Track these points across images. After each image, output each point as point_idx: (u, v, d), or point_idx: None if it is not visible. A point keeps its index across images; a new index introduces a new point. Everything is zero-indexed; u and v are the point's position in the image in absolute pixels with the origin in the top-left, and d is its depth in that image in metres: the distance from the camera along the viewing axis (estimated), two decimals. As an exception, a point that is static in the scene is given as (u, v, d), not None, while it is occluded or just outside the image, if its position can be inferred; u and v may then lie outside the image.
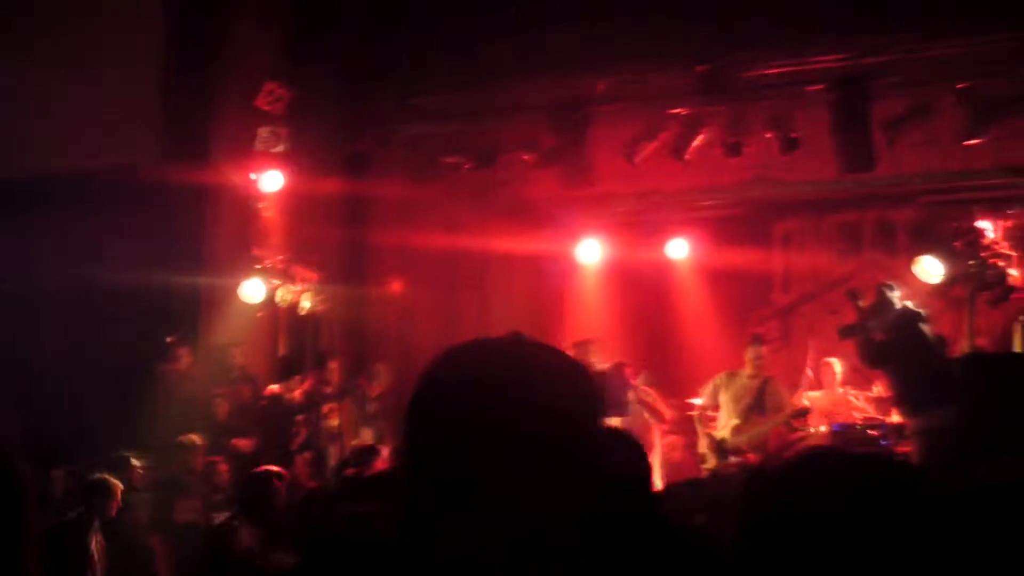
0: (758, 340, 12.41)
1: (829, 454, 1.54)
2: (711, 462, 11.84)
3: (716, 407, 12.28)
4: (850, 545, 1.36)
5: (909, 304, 10.70)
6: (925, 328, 10.46)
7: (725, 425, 12.01)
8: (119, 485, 9.07)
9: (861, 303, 10.76)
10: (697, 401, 12.95)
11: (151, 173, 11.97)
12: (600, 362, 12.68)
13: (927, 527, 1.38)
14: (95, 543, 8.77)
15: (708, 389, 12.39)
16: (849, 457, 1.51)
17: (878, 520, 1.37)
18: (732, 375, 12.30)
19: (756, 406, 11.94)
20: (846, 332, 10.94)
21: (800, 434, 12.56)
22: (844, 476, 1.44)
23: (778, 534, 1.41)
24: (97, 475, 9.10)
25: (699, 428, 12.38)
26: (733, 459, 11.61)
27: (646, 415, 12.55)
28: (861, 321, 10.65)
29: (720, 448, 11.79)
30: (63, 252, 12.26)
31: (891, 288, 10.83)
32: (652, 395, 12.70)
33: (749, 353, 12.24)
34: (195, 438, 10.61)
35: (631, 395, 12.46)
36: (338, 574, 1.68)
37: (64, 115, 12.39)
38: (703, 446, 12.17)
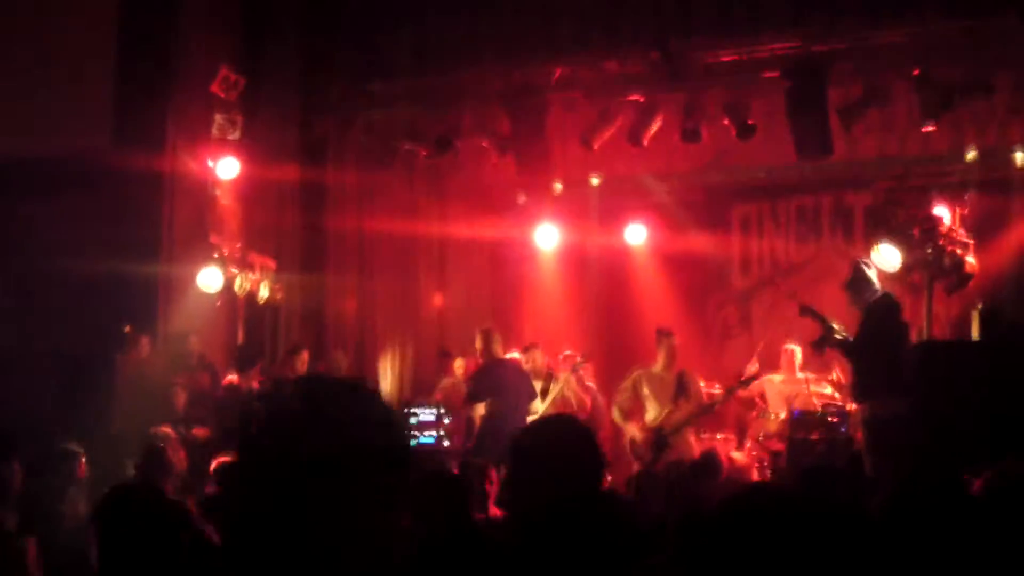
0: (666, 334, 12.38)
1: (763, 497, 1.54)
2: (646, 456, 11.79)
3: (636, 403, 12.27)
4: None
5: (888, 292, 10.66)
6: (899, 317, 10.47)
7: (656, 417, 12.00)
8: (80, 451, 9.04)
9: (818, 312, 10.73)
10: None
11: (105, 159, 11.87)
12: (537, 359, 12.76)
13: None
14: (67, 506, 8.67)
15: (626, 386, 12.33)
16: (782, 501, 1.52)
17: (811, 567, 1.37)
18: (648, 371, 12.27)
19: (681, 394, 11.96)
20: (819, 345, 10.87)
21: (759, 410, 12.67)
22: (778, 523, 1.44)
23: None
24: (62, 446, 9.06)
25: (624, 426, 12.31)
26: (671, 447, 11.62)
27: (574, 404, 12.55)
28: (826, 330, 10.59)
29: (659, 438, 11.77)
30: (14, 240, 12.13)
31: (868, 266, 10.81)
32: (574, 385, 12.69)
33: (661, 347, 12.21)
34: (168, 430, 10.51)
35: (562, 383, 12.47)
36: None
37: (16, 100, 12.26)
38: (635, 442, 12.11)
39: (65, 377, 11.47)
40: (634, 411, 12.28)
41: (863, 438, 10.32)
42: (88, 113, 12.38)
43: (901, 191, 13.67)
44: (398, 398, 14.16)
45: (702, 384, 12.37)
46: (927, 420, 9.75)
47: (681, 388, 11.95)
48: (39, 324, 12.14)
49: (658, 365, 12.15)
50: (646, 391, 12.10)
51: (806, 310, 10.89)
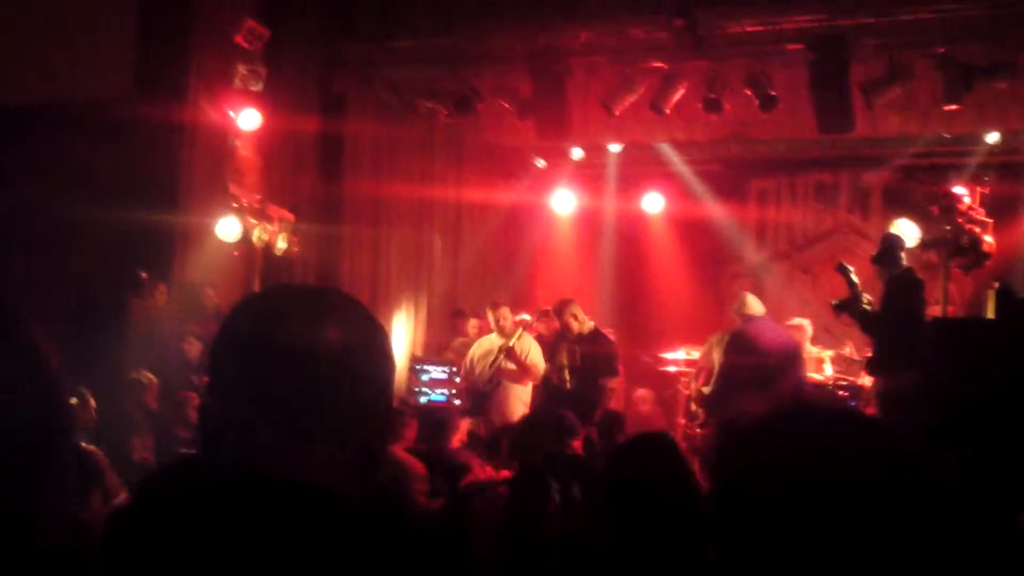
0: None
1: (804, 410, 1.53)
2: (700, 417, 11.90)
3: (710, 366, 12.32)
4: (821, 501, 1.37)
5: (912, 267, 10.65)
6: (921, 293, 10.46)
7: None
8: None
9: (854, 277, 10.73)
10: (674, 356, 13.09)
11: (126, 107, 11.88)
12: (582, 322, 12.77)
13: (900, 489, 1.40)
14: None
15: (704, 348, 12.43)
16: (824, 413, 1.51)
17: (851, 476, 1.38)
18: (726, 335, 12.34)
19: None
20: (841, 308, 10.87)
21: None
22: (818, 432, 1.44)
23: (752, 488, 1.42)
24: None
25: (692, 384, 12.47)
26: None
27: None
28: (854, 296, 10.61)
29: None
30: (32, 184, 12.13)
31: (900, 241, 10.82)
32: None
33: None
34: (150, 375, 10.53)
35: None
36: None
37: (38, 46, 12.25)
38: (694, 402, 12.23)
39: (76, 321, 11.48)
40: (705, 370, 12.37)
41: (878, 413, 10.34)
42: (111, 61, 12.36)
43: (920, 169, 13.65)
44: (410, 354, 14.24)
45: None
46: (933, 397, 9.78)
47: None
48: (52, 267, 12.16)
49: None
50: (716, 355, 12.15)
51: (844, 268, 10.86)
